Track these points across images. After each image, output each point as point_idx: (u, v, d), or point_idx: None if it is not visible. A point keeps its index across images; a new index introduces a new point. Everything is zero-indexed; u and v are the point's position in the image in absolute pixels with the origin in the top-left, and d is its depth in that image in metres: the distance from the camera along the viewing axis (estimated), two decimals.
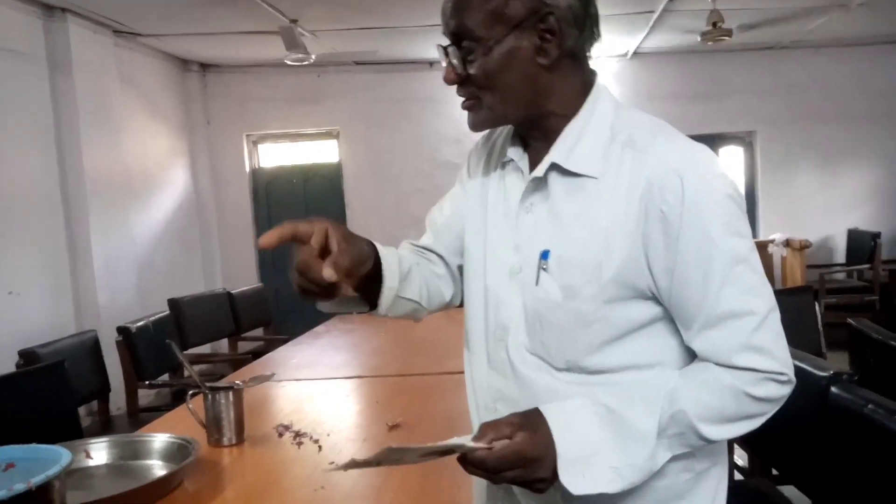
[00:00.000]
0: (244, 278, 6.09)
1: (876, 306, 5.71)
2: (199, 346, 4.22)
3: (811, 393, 1.52)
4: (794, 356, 1.69)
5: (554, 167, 0.93)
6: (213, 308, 4.35)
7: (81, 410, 3.27)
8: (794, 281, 5.91)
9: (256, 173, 6.65)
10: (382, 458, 0.82)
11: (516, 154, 0.99)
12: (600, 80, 0.97)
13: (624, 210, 0.87)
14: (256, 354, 3.63)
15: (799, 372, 1.63)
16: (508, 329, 0.97)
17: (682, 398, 0.85)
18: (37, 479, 1.06)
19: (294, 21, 4.73)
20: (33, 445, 1.25)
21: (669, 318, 0.90)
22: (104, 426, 2.96)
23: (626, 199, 0.87)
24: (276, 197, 6.59)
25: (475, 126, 0.97)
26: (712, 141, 6.79)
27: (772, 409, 0.88)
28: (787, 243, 6.09)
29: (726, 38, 4.79)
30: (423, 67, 6.23)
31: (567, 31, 0.89)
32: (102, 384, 3.05)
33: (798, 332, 2.92)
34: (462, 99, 0.96)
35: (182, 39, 5.38)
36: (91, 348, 3.03)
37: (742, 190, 5.99)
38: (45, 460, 1.21)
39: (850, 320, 2.22)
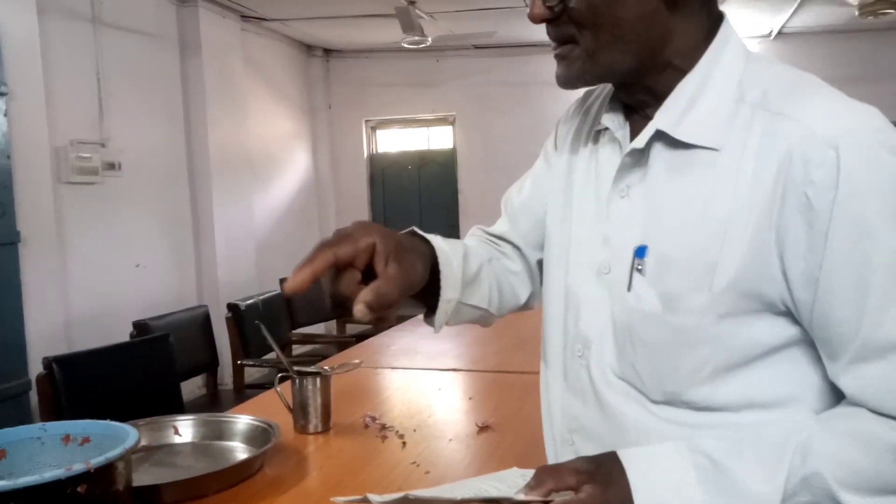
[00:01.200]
0: None
1: None
2: (308, 325, 4.29)
3: None
4: None
5: (660, 136, 0.71)
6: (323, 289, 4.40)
7: (195, 382, 3.40)
8: None
9: (373, 158, 6.73)
10: None
11: (614, 122, 0.78)
12: (729, 22, 0.74)
13: (751, 194, 0.65)
14: (362, 337, 3.63)
15: None
16: (591, 343, 0.77)
17: (820, 454, 0.62)
18: (96, 461, 1.01)
19: (412, 2, 4.68)
20: (107, 422, 1.23)
21: (810, 343, 0.68)
22: (211, 399, 3.05)
23: (755, 180, 0.65)
24: (392, 182, 6.65)
25: (567, 80, 0.74)
26: None
27: None
28: None
29: (891, 11, 4.23)
30: (542, 50, 6.01)
31: None
32: (212, 359, 3.13)
33: None
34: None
35: (305, 24, 5.49)
36: (202, 323, 3.12)
37: None
38: (118, 438, 1.19)
39: None
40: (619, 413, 0.74)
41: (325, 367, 1.80)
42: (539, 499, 0.62)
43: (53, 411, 2.03)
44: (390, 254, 0.68)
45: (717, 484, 0.63)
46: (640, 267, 0.72)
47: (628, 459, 0.65)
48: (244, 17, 5.06)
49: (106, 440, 1.20)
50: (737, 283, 0.66)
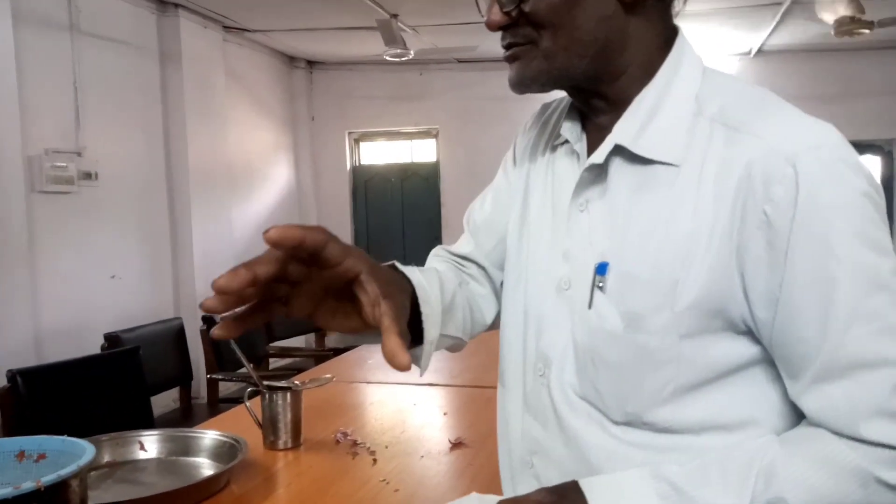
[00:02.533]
0: None
1: None
2: (286, 339, 4.24)
3: None
4: None
5: (619, 150, 0.70)
6: None
7: (169, 395, 3.34)
8: None
9: (356, 170, 6.71)
10: None
11: (572, 132, 0.76)
12: (684, 35, 0.74)
13: (712, 211, 0.64)
14: (340, 351, 3.59)
15: None
16: (551, 362, 0.75)
17: (784, 479, 0.61)
18: (47, 478, 0.97)
19: (394, 15, 4.68)
20: (64, 438, 1.19)
21: (770, 362, 0.66)
22: (183, 413, 2.99)
23: (716, 197, 0.63)
24: (375, 194, 6.62)
25: (521, 81, 0.72)
26: None
27: None
28: None
29: (866, 31, 4.29)
30: None
31: None
32: (185, 372, 3.08)
33: None
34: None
35: (288, 35, 5.48)
36: (176, 335, 3.07)
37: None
38: (74, 454, 1.15)
39: None
40: (580, 435, 0.72)
41: (296, 382, 1.77)
42: None
43: (17, 426, 1.98)
44: (381, 290, 0.61)
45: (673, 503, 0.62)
46: (601, 284, 0.70)
47: (590, 489, 0.64)
48: (226, 28, 5.03)
49: (62, 457, 1.16)
50: (699, 301, 0.64)
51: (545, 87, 0.73)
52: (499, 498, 0.65)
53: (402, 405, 2.10)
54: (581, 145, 0.76)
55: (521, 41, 0.71)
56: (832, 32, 4.43)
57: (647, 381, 0.67)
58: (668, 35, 0.73)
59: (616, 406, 0.69)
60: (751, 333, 0.65)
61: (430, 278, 0.77)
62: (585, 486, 0.64)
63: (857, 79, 5.88)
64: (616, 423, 0.70)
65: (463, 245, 0.92)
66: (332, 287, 0.62)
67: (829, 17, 4.32)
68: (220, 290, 0.56)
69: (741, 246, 0.63)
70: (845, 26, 4.23)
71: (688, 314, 0.65)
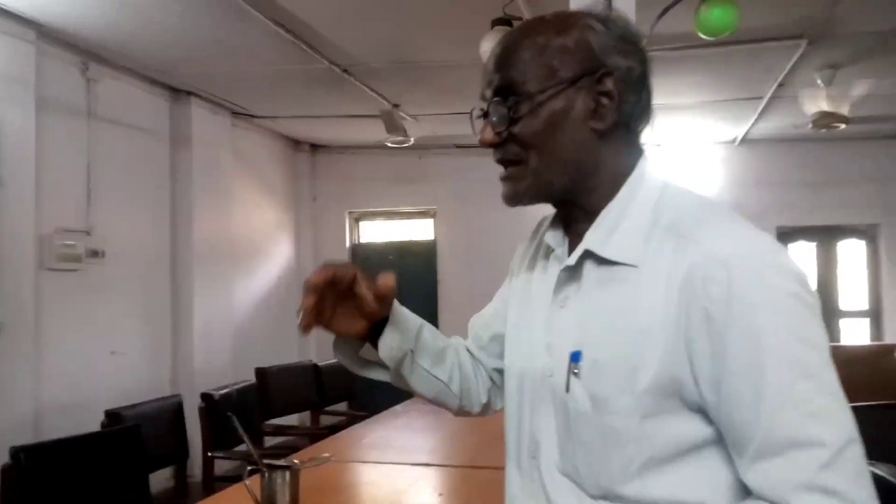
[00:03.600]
0: None
1: None
2: (282, 416, 4.25)
3: None
4: None
5: (589, 254, 0.82)
6: (299, 379, 4.39)
7: (163, 473, 3.33)
8: None
9: (356, 248, 6.84)
10: None
11: (554, 239, 0.89)
12: (648, 157, 0.86)
13: (664, 306, 0.73)
14: (335, 429, 3.60)
15: None
16: (540, 445, 0.85)
17: None
18: None
19: (396, 105, 4.92)
20: None
21: (725, 443, 0.74)
22: (178, 492, 2.99)
23: (666, 294, 0.74)
24: (373, 271, 6.67)
25: (514, 196, 0.85)
26: (829, 233, 6.36)
27: None
28: None
29: (842, 124, 4.52)
30: None
31: (625, 96, 0.81)
32: (182, 449, 3.09)
33: None
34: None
35: (293, 121, 5.73)
36: (174, 412, 3.10)
37: (867, 288, 5.39)
38: None
39: None
40: None
41: (295, 461, 1.81)
42: None
43: (19, 502, 2.00)
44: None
45: None
46: (576, 371, 0.79)
47: None
48: (235, 114, 5.27)
49: None
50: (656, 386, 0.73)
51: (533, 201, 0.86)
52: None
53: (397, 486, 2.13)
54: (562, 250, 0.88)
55: (512, 158, 0.84)
56: (810, 125, 4.66)
57: (615, 457, 0.76)
58: (635, 157, 0.85)
59: (592, 481, 0.78)
60: (706, 414, 0.74)
61: (424, 324, 0.99)
62: None
63: (837, 167, 6.11)
64: (594, 497, 0.78)
65: (469, 342, 1.08)
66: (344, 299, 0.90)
67: (809, 109, 4.55)
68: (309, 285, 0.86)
69: (688, 337, 0.72)
70: (822, 120, 4.46)
71: (646, 396, 0.74)
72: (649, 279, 0.76)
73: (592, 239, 0.81)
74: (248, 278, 5.58)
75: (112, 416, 2.71)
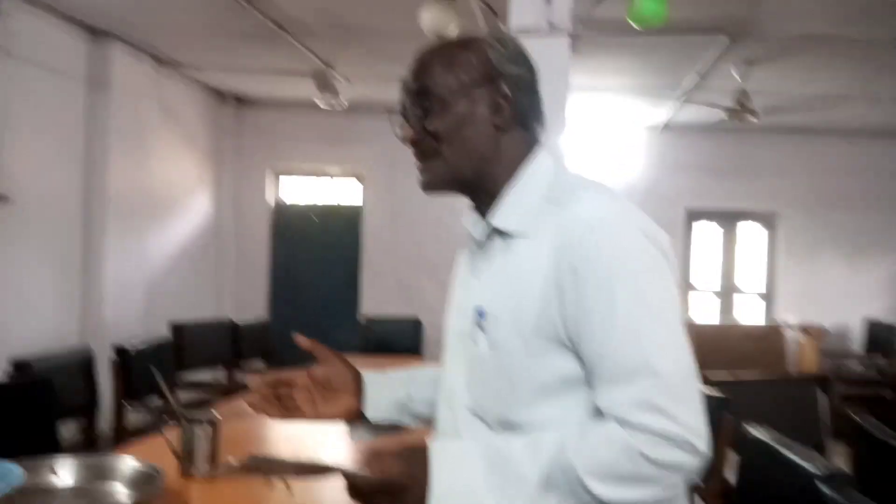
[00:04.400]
0: (254, 309, 6.10)
1: (889, 399, 5.53)
2: (197, 370, 4.20)
3: (800, 488, 1.45)
4: (788, 447, 1.62)
5: (494, 230, 0.98)
6: (215, 335, 4.35)
7: (71, 426, 3.25)
8: (807, 367, 5.77)
9: (278, 208, 6.73)
10: (251, 466, 0.92)
11: (471, 224, 1.04)
12: (542, 147, 1.03)
13: (544, 265, 0.90)
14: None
15: (788, 465, 1.56)
16: (455, 391, 1.01)
17: (572, 448, 0.84)
18: None
19: (328, 65, 4.84)
20: None
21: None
22: (88, 444, 2.93)
23: (546, 255, 0.90)
24: (296, 233, 6.64)
25: (430, 183, 1.01)
26: (735, 217, 6.76)
27: (675, 477, 0.83)
28: (804, 328, 5.98)
29: (752, 118, 4.80)
30: None
31: (518, 98, 0.98)
32: (92, 401, 3.03)
33: (801, 421, 2.83)
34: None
35: (220, 72, 5.54)
36: (85, 364, 3.03)
37: (764, 270, 5.80)
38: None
39: (852, 414, 2.13)
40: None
41: (215, 414, 1.83)
42: (360, 471, 0.87)
43: None
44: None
45: (497, 465, 0.85)
46: (480, 325, 0.96)
47: (434, 447, 0.88)
48: (159, 61, 5.05)
49: None
50: (537, 329, 0.90)
51: (446, 188, 1.02)
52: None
53: (317, 439, 2.18)
54: (478, 231, 1.03)
55: (427, 151, 1.00)
56: (725, 117, 4.93)
57: (508, 390, 0.92)
58: (530, 147, 1.02)
59: (492, 414, 0.95)
60: (577, 353, 0.89)
61: (411, 383, 1.15)
62: (431, 445, 0.89)
63: (749, 156, 6.49)
64: (492, 428, 0.95)
65: None
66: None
67: (724, 101, 4.81)
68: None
69: (559, 288, 0.88)
70: (735, 113, 4.73)
71: (531, 339, 0.90)
72: (535, 244, 0.93)
73: (495, 216, 0.98)
74: (164, 232, 5.42)
75: (18, 366, 2.63)
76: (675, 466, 0.82)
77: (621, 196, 0.94)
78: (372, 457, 0.88)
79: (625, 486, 0.82)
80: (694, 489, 2.37)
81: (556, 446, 0.84)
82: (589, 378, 0.89)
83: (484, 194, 1.01)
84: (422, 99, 0.98)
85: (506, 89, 0.97)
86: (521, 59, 1.00)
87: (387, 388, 1.13)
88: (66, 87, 4.26)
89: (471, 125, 0.97)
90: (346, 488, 0.89)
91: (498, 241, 0.98)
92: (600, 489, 0.82)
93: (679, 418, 0.81)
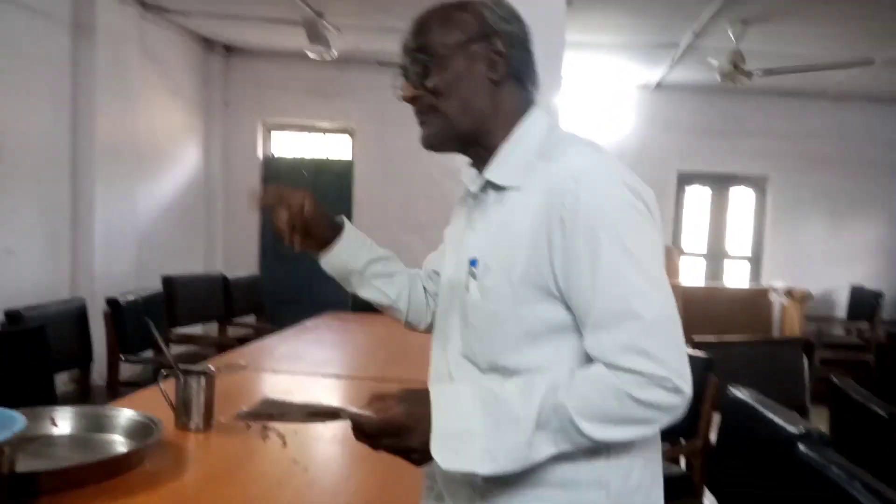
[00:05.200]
0: (244, 265, 6.10)
1: (871, 365, 5.67)
2: (188, 325, 4.22)
3: (778, 447, 1.50)
4: (768, 408, 1.67)
5: (488, 183, 1.03)
6: (207, 290, 4.35)
7: (63, 377, 3.28)
8: (791, 331, 5.88)
9: (268, 161, 6.67)
10: (262, 410, 0.96)
11: (469, 178, 1.09)
12: (537, 106, 1.07)
13: (533, 216, 0.94)
14: (244, 340, 3.63)
15: (768, 425, 1.62)
16: (449, 337, 1.06)
17: (563, 390, 0.88)
18: None
19: (319, 14, 4.74)
20: None
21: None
22: (81, 395, 2.97)
23: (536, 207, 0.94)
24: (286, 186, 6.57)
25: (429, 139, 1.04)
26: (726, 181, 6.78)
27: (661, 417, 0.88)
28: (789, 292, 6.07)
29: (746, 79, 4.77)
30: None
31: (511, 53, 1.02)
32: (85, 353, 3.05)
33: (784, 383, 2.91)
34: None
35: (208, 19, 5.41)
36: (78, 316, 3.04)
37: (752, 235, 5.89)
38: (3, 422, 1.21)
39: (832, 377, 2.20)
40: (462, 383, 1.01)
41: (210, 367, 1.85)
42: (366, 413, 0.91)
43: None
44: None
45: (493, 407, 0.89)
46: (473, 273, 1.01)
47: (434, 390, 0.93)
48: (145, 6, 4.92)
49: None
50: (525, 277, 0.94)
51: (445, 143, 1.05)
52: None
53: (310, 394, 2.22)
54: (475, 185, 1.07)
55: (428, 108, 1.03)
56: (718, 77, 4.89)
57: (498, 335, 0.97)
58: (526, 104, 1.06)
59: (482, 358, 0.99)
60: (564, 301, 0.93)
61: (378, 254, 1.19)
62: (431, 388, 0.94)
63: (740, 118, 6.48)
64: (483, 371, 0.99)
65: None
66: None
67: (718, 61, 4.77)
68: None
69: (548, 237, 0.92)
70: (728, 74, 4.70)
71: (519, 286, 0.94)
72: (526, 196, 0.97)
73: (490, 171, 1.03)
74: (153, 183, 5.36)
75: (11, 316, 2.63)
76: (661, 406, 0.87)
77: (610, 153, 0.98)
78: (376, 400, 0.92)
79: (614, 426, 0.87)
80: (675, 446, 2.44)
81: (547, 388, 0.88)
82: (579, 325, 0.93)
83: (481, 149, 1.05)
84: (421, 57, 1.02)
85: (500, 46, 1.01)
86: (514, 19, 1.04)
87: (354, 252, 1.18)
88: (51, 31, 4.15)
89: (469, 80, 1.01)
90: (352, 430, 0.93)
91: (492, 195, 1.03)
92: (590, 429, 0.87)
93: (664, 361, 0.86)
